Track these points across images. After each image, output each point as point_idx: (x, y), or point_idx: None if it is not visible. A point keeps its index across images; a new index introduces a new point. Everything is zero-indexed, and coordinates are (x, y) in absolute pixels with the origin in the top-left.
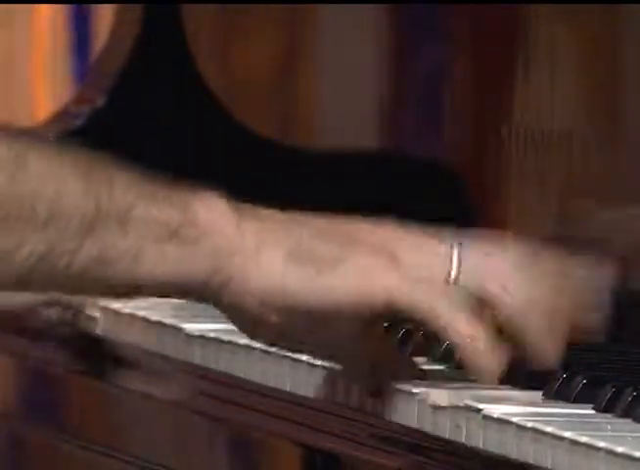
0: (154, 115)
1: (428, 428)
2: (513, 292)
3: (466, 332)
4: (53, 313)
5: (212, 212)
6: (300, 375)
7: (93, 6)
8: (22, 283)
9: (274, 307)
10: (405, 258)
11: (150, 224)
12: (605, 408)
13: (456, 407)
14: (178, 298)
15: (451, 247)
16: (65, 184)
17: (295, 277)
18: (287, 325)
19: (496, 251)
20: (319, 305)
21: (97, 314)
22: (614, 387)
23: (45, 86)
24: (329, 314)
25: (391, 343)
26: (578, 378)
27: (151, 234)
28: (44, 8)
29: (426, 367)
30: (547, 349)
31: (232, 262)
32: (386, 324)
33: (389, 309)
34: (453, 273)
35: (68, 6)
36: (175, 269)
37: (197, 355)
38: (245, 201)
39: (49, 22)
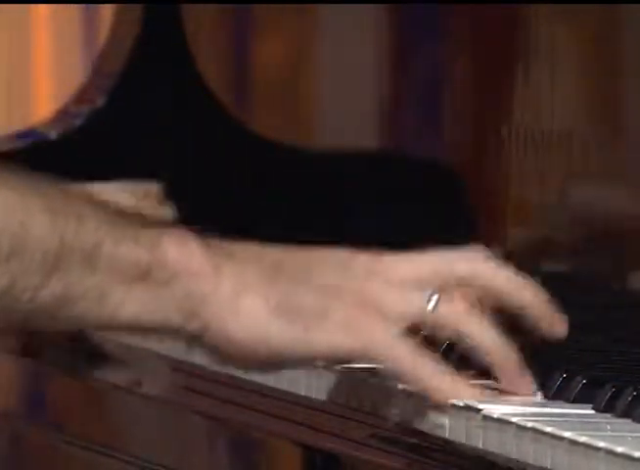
0: (154, 115)
1: (427, 428)
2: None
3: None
4: None
5: (183, 252)
6: (301, 375)
7: (93, 6)
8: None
9: (256, 356)
10: (386, 297)
11: (117, 263)
12: (604, 408)
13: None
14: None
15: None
16: (31, 217)
17: (279, 331)
18: (268, 366)
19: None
20: (304, 358)
21: None
22: (613, 387)
23: (45, 86)
24: (312, 363)
25: None
26: (578, 378)
27: (118, 273)
28: (44, 8)
29: None
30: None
31: (207, 310)
32: None
33: (370, 361)
34: (429, 310)
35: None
36: (144, 311)
37: (197, 355)
38: (218, 230)
39: (49, 22)
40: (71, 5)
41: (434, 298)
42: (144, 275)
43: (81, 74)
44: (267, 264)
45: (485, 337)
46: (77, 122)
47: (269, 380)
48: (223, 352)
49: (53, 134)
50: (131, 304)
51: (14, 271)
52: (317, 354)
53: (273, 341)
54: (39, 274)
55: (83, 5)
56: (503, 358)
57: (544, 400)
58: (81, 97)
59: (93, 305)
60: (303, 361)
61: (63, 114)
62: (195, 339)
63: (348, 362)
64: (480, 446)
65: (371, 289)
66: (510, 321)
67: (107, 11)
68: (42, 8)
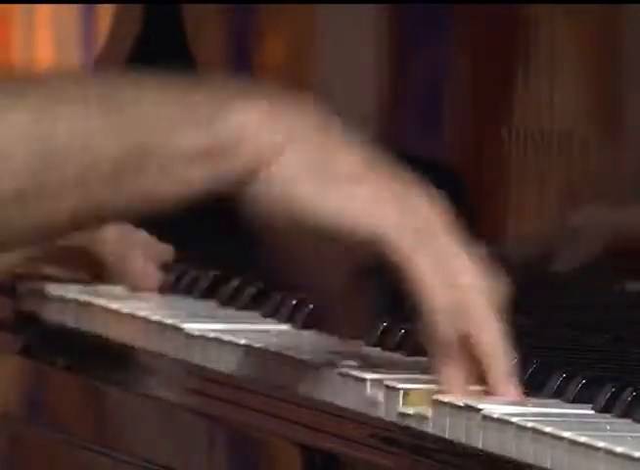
0: None
1: (427, 428)
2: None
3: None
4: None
5: (246, 117)
6: (301, 375)
7: (93, 6)
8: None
9: (284, 212)
10: (418, 205)
11: (181, 145)
12: (604, 408)
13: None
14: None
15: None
16: (93, 142)
17: (307, 186)
18: (282, 229)
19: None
20: (318, 221)
21: (97, 314)
22: (613, 387)
23: None
24: (328, 233)
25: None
26: (578, 378)
27: (179, 160)
28: (44, 8)
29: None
30: None
31: (259, 162)
32: (384, 324)
33: (376, 248)
34: None
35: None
36: (207, 180)
37: (197, 355)
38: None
39: (49, 21)
40: (71, 5)
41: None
42: (209, 149)
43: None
44: (322, 125)
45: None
46: None
47: (269, 380)
48: (258, 200)
49: None
50: (195, 177)
51: (87, 193)
52: (326, 218)
53: (297, 191)
54: (107, 186)
55: (83, 5)
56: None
57: (544, 400)
58: None
59: (163, 187)
60: (316, 224)
61: None
62: (238, 193)
63: (356, 246)
64: (480, 445)
65: (413, 190)
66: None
67: (107, 11)
68: (42, 8)
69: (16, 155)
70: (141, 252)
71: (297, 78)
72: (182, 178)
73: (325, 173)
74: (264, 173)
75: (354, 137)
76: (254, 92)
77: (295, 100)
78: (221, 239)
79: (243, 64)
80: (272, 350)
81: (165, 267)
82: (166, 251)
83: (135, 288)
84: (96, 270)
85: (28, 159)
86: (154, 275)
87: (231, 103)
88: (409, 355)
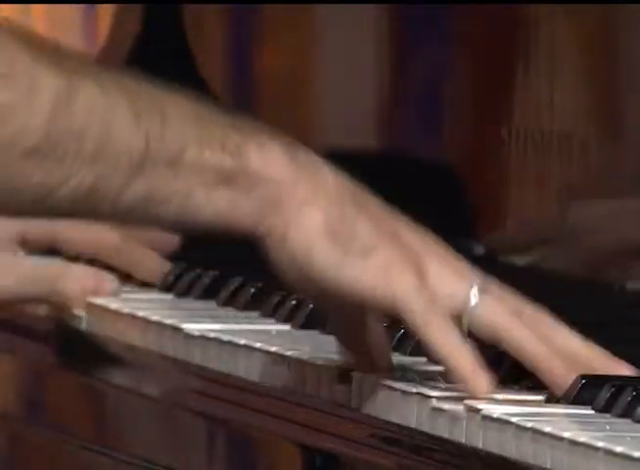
0: None
1: (427, 428)
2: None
3: (453, 354)
4: (41, 310)
5: (266, 159)
6: (301, 375)
7: (93, 6)
8: (64, 215)
9: (298, 271)
10: (432, 275)
11: (201, 169)
12: (604, 408)
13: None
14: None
15: (478, 279)
16: (115, 119)
17: (323, 250)
18: (304, 288)
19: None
20: (338, 288)
21: (96, 314)
22: (613, 387)
23: None
24: (342, 298)
25: (383, 338)
26: (578, 378)
27: (201, 178)
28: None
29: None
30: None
31: (276, 215)
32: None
33: (395, 313)
34: (472, 303)
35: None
36: (222, 214)
37: (197, 355)
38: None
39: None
40: (71, 5)
41: (475, 292)
42: (226, 180)
43: None
44: (341, 188)
45: (528, 342)
46: None
47: (269, 380)
48: (278, 258)
49: None
50: (211, 206)
51: (99, 172)
52: (345, 286)
53: (315, 258)
54: (124, 175)
55: (83, 5)
56: (549, 362)
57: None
58: None
59: (174, 206)
60: (335, 291)
61: None
62: (258, 239)
63: (376, 309)
64: (480, 446)
65: (428, 256)
66: None
67: (107, 11)
68: (43, 7)
69: (40, 113)
70: (142, 241)
71: (297, 79)
72: (201, 195)
73: (342, 240)
74: (283, 232)
75: (367, 192)
76: (278, 136)
77: (312, 153)
78: (221, 239)
79: (243, 64)
80: (272, 350)
81: (169, 256)
82: (170, 240)
83: (138, 274)
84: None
85: (50, 119)
86: (155, 260)
87: (259, 141)
88: (409, 355)
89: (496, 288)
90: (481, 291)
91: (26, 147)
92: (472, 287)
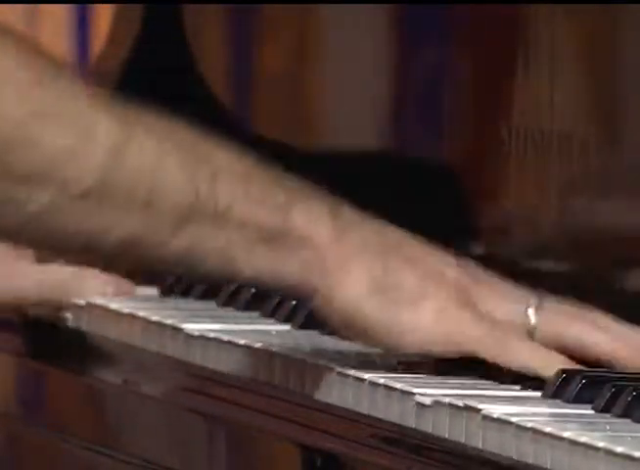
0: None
1: (427, 428)
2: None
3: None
4: (41, 311)
5: (310, 221)
6: (301, 375)
7: (93, 6)
8: (109, 263)
9: (353, 330)
10: (485, 304)
11: (246, 227)
12: (604, 408)
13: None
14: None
15: (529, 297)
16: (166, 171)
17: (373, 309)
18: (360, 341)
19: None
20: (396, 341)
21: (97, 314)
22: (613, 387)
23: None
24: (402, 348)
25: None
26: (578, 378)
27: (245, 236)
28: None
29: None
30: None
31: (319, 277)
32: None
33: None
34: (532, 322)
35: (67, 6)
36: (264, 272)
37: (196, 355)
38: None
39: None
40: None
41: (532, 310)
42: (270, 239)
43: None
44: (384, 241)
45: (590, 333)
46: None
47: (269, 380)
48: (328, 317)
49: None
50: (253, 264)
51: (146, 222)
52: (403, 338)
53: (367, 318)
54: (170, 228)
55: (83, 5)
56: (612, 345)
57: (544, 400)
58: None
59: (215, 260)
60: (394, 344)
61: None
62: (306, 295)
63: (442, 352)
64: (480, 446)
65: (476, 288)
66: None
67: (107, 11)
68: (42, 8)
69: (95, 161)
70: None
71: (297, 79)
72: (243, 252)
73: (390, 293)
74: (329, 293)
75: (407, 238)
76: (323, 194)
77: (354, 210)
78: None
79: (243, 64)
80: (271, 350)
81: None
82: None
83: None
84: None
85: (104, 166)
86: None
87: (304, 201)
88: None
89: (551, 302)
90: (538, 308)
91: (80, 192)
92: (527, 307)
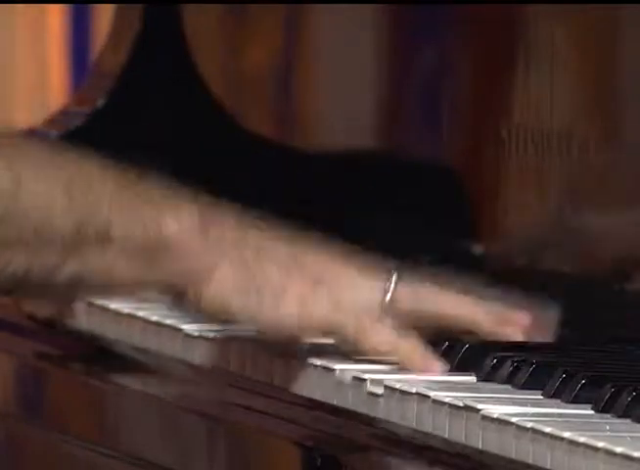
0: (153, 115)
1: (427, 428)
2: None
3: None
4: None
5: (181, 228)
6: (301, 375)
7: (93, 6)
8: (18, 293)
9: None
10: (344, 287)
11: (125, 244)
12: (604, 408)
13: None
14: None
15: (387, 280)
16: (51, 206)
17: (238, 306)
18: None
19: (429, 286)
20: (266, 332)
21: (97, 314)
22: (613, 387)
23: (45, 87)
24: (271, 337)
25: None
26: (578, 378)
27: (125, 253)
28: (44, 8)
29: None
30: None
31: (190, 280)
32: None
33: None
34: (388, 298)
35: (67, 6)
36: (140, 280)
37: (196, 355)
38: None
39: (48, 22)
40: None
41: (390, 285)
42: (147, 251)
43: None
44: (248, 240)
45: (453, 300)
46: (77, 123)
47: (270, 380)
48: (201, 313)
49: (53, 134)
50: (133, 276)
51: (35, 255)
52: (270, 329)
53: (234, 314)
54: (57, 256)
55: (83, 5)
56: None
57: (544, 400)
58: (81, 98)
59: (101, 279)
60: (266, 334)
61: (63, 114)
62: (176, 296)
63: (321, 335)
64: (480, 446)
65: (334, 274)
66: None
67: (107, 11)
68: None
69: None
70: None
71: (297, 78)
72: (124, 268)
73: (253, 290)
74: (197, 297)
75: (267, 229)
76: (187, 198)
77: (223, 208)
78: None
79: (243, 64)
80: (271, 350)
81: None
82: None
83: None
84: None
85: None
86: None
87: (174, 213)
88: None
89: (410, 277)
90: (395, 284)
91: None
92: (386, 284)
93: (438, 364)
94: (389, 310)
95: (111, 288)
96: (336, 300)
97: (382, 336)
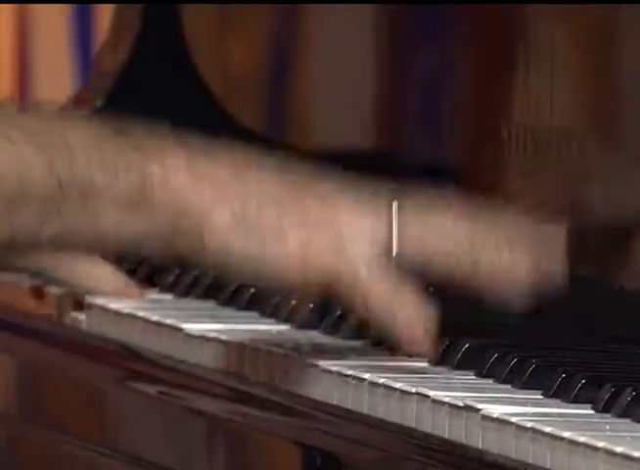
0: (153, 115)
1: (427, 428)
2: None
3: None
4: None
5: (167, 174)
6: (300, 375)
7: (93, 6)
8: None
9: (228, 270)
10: (344, 230)
11: (109, 193)
12: (604, 408)
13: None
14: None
15: (390, 215)
16: (28, 166)
17: (239, 247)
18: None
19: (436, 218)
20: (262, 274)
21: (97, 314)
22: (613, 387)
23: (44, 86)
24: (272, 280)
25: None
26: (578, 378)
27: (110, 202)
28: (43, 8)
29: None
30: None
31: (185, 224)
32: None
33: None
34: (394, 248)
35: (67, 6)
36: (135, 235)
37: (197, 355)
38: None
39: (49, 22)
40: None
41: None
42: (132, 199)
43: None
44: (242, 177)
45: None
46: None
47: (269, 380)
48: (202, 263)
49: None
50: (117, 226)
51: (15, 216)
52: (275, 274)
53: (235, 255)
54: (41, 214)
55: (83, 5)
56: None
57: (543, 400)
58: (81, 97)
59: (90, 233)
60: (264, 277)
61: None
62: (175, 249)
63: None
64: (480, 446)
65: (335, 213)
66: None
67: (107, 11)
68: (41, 8)
69: None
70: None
71: (296, 78)
72: (113, 219)
73: (252, 229)
74: (199, 240)
75: (263, 162)
76: (174, 144)
77: (210, 148)
78: None
79: (242, 64)
80: (271, 350)
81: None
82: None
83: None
84: None
85: None
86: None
87: (159, 157)
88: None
89: (411, 202)
90: (398, 218)
91: None
92: (390, 229)
93: (427, 344)
94: (397, 251)
95: (98, 244)
96: (336, 245)
97: (377, 299)
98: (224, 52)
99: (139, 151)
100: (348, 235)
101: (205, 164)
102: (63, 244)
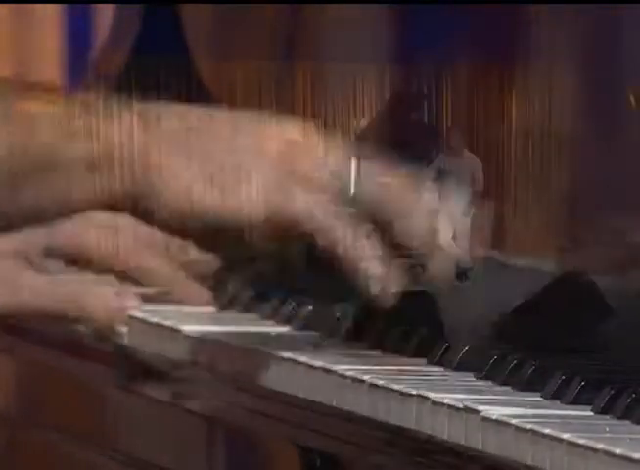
0: None
1: (427, 429)
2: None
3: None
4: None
5: (122, 131)
6: (300, 376)
7: (93, 6)
8: None
9: (190, 218)
10: (305, 170)
11: (72, 164)
12: (603, 410)
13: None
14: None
15: (350, 165)
16: None
17: (199, 196)
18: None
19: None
20: (227, 221)
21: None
22: (612, 388)
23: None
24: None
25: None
26: (577, 379)
27: (75, 172)
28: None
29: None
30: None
31: (144, 185)
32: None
33: (284, 224)
34: (351, 190)
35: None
36: (102, 196)
37: (196, 357)
38: None
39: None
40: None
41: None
42: (92, 166)
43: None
44: (193, 126)
45: None
46: None
47: (270, 381)
48: (162, 216)
49: None
50: (87, 193)
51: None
52: (232, 218)
53: (196, 205)
54: (8, 188)
55: (83, 5)
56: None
57: (543, 402)
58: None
59: (57, 202)
60: (232, 225)
61: None
62: (134, 207)
63: (283, 230)
64: (480, 447)
65: (298, 152)
66: None
67: (107, 11)
68: (41, 8)
69: None
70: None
71: (296, 78)
72: (76, 184)
73: (213, 176)
74: (158, 195)
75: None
76: (126, 105)
77: (166, 105)
78: (221, 241)
79: (242, 64)
80: (271, 351)
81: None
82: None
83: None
84: None
85: None
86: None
87: (106, 120)
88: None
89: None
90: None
91: None
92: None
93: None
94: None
95: (73, 211)
96: (293, 189)
97: (338, 238)
98: (224, 52)
99: (90, 113)
100: (310, 170)
101: (157, 119)
102: (40, 216)
